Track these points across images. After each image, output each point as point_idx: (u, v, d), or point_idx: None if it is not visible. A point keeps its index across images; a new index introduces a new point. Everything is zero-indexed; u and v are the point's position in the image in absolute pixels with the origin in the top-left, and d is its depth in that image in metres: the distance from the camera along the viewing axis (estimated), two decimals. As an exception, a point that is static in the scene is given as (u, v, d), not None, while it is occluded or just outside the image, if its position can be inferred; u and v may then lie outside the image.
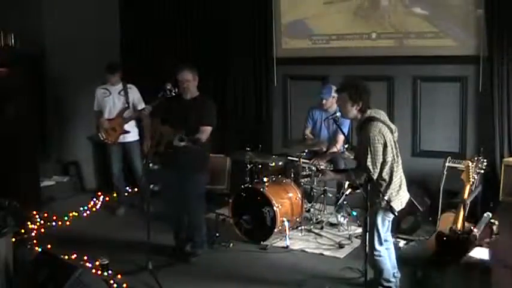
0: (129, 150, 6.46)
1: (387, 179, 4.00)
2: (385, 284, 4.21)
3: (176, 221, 5.21)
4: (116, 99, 6.42)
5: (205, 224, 5.29)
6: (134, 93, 6.46)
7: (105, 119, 6.41)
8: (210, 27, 7.40)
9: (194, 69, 5.02)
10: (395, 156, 4.03)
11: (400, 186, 4.08)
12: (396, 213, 3.99)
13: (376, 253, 4.11)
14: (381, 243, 4.14)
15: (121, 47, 7.98)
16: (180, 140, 4.54)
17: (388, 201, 3.95)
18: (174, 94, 4.87)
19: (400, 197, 4.08)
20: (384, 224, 4.10)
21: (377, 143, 3.91)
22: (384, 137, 3.96)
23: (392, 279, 4.24)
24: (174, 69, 5.04)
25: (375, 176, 3.95)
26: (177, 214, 5.17)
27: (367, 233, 4.07)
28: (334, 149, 5.83)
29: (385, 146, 3.95)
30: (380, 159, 3.94)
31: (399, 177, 4.07)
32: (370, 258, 4.11)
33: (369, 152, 3.91)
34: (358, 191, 5.65)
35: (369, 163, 3.91)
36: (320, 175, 4.56)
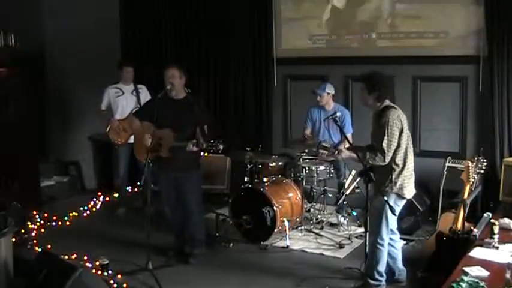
0: None
1: (401, 165, 4.11)
2: (377, 276, 4.22)
3: (177, 222, 5.20)
4: (128, 99, 6.42)
5: (204, 223, 5.29)
6: (145, 94, 6.46)
7: (116, 120, 6.39)
8: (210, 27, 7.40)
9: (182, 69, 4.98)
10: (409, 145, 4.15)
11: (411, 175, 4.19)
12: (396, 212, 4.02)
13: (380, 241, 4.16)
14: (388, 232, 4.18)
15: (121, 47, 7.99)
16: (196, 146, 4.63)
17: (401, 187, 4.08)
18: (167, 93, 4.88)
19: (411, 185, 4.19)
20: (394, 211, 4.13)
21: (395, 127, 4.05)
22: (402, 123, 4.10)
23: (384, 275, 4.25)
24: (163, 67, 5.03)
25: (388, 159, 4.06)
26: (177, 215, 5.16)
27: (368, 223, 4.12)
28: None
29: (401, 131, 4.08)
30: (395, 143, 4.06)
31: (411, 166, 4.19)
32: (370, 246, 4.14)
33: (386, 134, 4.03)
34: (357, 190, 5.66)
35: (384, 144, 4.03)
36: (337, 152, 4.65)
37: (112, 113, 6.44)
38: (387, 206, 4.07)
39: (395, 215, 4.11)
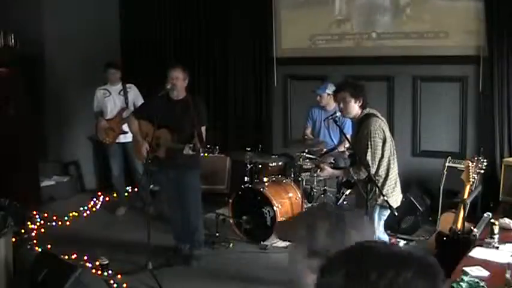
0: (128, 150, 6.47)
1: (383, 175, 4.03)
2: None
3: (176, 222, 5.20)
4: (116, 99, 6.45)
5: (203, 222, 5.29)
6: (134, 93, 6.48)
7: (104, 119, 6.43)
8: (210, 27, 7.41)
9: (186, 70, 4.99)
10: (392, 152, 4.07)
11: (395, 183, 4.11)
12: (396, 212, 4.00)
13: None
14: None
15: (121, 47, 7.99)
16: (192, 150, 4.59)
17: (385, 198, 3.97)
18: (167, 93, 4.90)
19: (396, 194, 4.12)
20: (380, 221, 4.12)
21: (377, 138, 3.96)
22: (384, 132, 4.01)
23: None
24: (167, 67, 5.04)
25: (373, 171, 3.97)
26: (177, 214, 5.16)
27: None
28: (342, 148, 5.86)
29: (384, 141, 3.99)
30: (379, 154, 3.98)
31: (395, 174, 4.11)
32: None
33: (369, 147, 3.95)
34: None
35: (368, 157, 3.94)
36: (318, 171, 4.59)
37: (103, 114, 6.49)
38: (374, 217, 4.03)
39: (395, 214, 4.08)
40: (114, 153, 6.52)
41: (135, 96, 6.47)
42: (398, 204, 4.17)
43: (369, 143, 3.95)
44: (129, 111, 6.34)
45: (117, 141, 6.44)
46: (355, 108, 4.09)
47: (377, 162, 3.99)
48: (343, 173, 4.46)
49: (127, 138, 6.41)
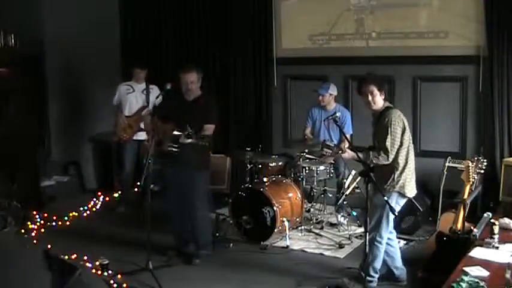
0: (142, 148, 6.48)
1: (402, 164, 4.14)
2: (372, 273, 4.25)
3: (179, 222, 5.19)
4: (138, 97, 6.51)
5: (210, 224, 5.29)
6: (156, 94, 6.50)
7: (123, 116, 6.45)
8: (210, 27, 7.41)
9: (199, 70, 5.02)
10: (409, 144, 4.19)
11: (412, 174, 4.22)
12: (396, 213, 4.01)
13: (378, 239, 4.20)
14: (387, 231, 4.21)
15: (121, 47, 7.99)
16: (187, 137, 4.58)
17: (403, 185, 4.11)
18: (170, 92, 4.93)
19: (412, 183, 4.22)
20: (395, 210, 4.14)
21: (397, 126, 4.10)
22: (404, 122, 4.15)
23: (378, 273, 4.29)
24: (180, 68, 5.05)
25: (391, 158, 4.09)
26: (180, 214, 5.15)
27: (368, 227, 4.12)
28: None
29: (404, 130, 4.13)
30: (398, 142, 4.10)
31: (412, 164, 4.22)
32: (368, 243, 4.15)
33: (389, 133, 4.07)
34: (357, 190, 5.66)
35: (388, 143, 4.06)
36: (340, 152, 4.66)
37: (121, 109, 6.51)
38: (388, 206, 4.09)
39: (395, 215, 4.11)
40: (129, 150, 6.56)
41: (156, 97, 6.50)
42: (413, 194, 4.28)
43: (389, 129, 4.08)
44: (148, 111, 6.37)
45: (134, 138, 6.45)
46: (380, 100, 4.22)
47: (396, 149, 4.10)
48: (363, 156, 4.48)
49: (142, 135, 6.45)
